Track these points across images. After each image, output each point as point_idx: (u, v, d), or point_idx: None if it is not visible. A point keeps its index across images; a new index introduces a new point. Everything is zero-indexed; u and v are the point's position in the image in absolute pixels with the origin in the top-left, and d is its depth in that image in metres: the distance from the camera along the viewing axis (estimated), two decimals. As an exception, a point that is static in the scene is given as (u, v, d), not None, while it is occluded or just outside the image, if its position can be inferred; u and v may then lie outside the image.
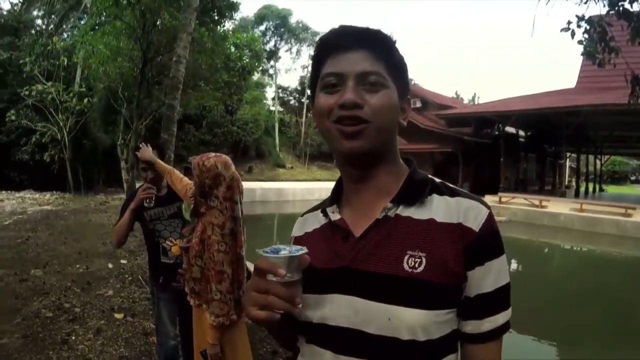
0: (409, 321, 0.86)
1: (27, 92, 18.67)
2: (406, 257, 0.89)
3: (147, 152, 3.16)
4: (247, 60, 21.18)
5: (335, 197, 1.06)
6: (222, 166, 2.45)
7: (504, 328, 0.93)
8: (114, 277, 6.73)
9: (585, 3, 6.30)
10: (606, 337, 7.03)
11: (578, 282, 10.97)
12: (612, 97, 17.38)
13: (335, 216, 1.01)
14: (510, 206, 19.87)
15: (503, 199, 20.75)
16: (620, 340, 6.83)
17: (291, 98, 48.26)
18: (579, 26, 6.10)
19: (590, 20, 6.11)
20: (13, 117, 19.11)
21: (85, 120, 20.12)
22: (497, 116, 24.56)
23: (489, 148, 25.78)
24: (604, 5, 6.05)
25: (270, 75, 45.18)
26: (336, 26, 0.99)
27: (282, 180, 31.80)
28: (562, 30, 6.13)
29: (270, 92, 45.43)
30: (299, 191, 25.13)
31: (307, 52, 44.72)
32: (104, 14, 14.72)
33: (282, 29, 43.25)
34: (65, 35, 24.66)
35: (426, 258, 0.89)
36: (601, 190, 34.47)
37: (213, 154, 2.52)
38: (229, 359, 2.46)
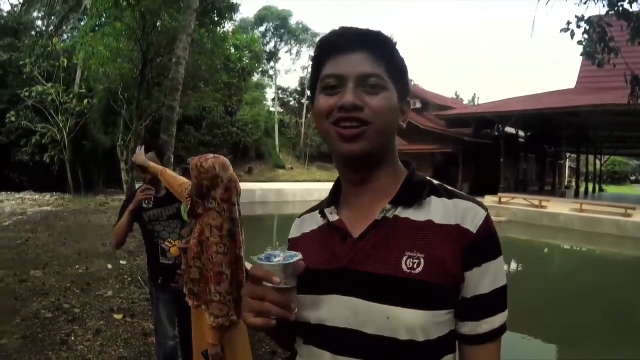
0: (408, 322, 0.86)
1: (27, 94, 18.69)
2: (405, 258, 0.89)
3: (140, 156, 3.17)
4: (247, 61, 21.23)
5: (334, 199, 1.06)
6: (220, 168, 2.44)
7: (501, 330, 0.93)
8: (114, 278, 6.73)
9: (585, 3, 6.31)
10: (606, 337, 7.02)
11: (578, 282, 10.95)
12: (612, 97, 17.39)
13: (333, 217, 1.01)
14: (511, 207, 19.86)
15: (503, 200, 20.74)
16: (620, 340, 6.83)
17: (291, 99, 48.27)
18: (578, 26, 6.10)
19: (589, 21, 6.11)
20: (13, 119, 19.12)
21: (85, 121, 20.14)
22: (497, 117, 24.58)
23: (489, 149, 25.80)
24: (604, 6, 6.06)
25: (270, 77, 45.23)
26: (337, 27, 0.99)
27: (282, 181, 31.79)
28: (561, 30, 6.13)
29: (270, 93, 45.52)
30: (299, 192, 25.11)
31: (307, 53, 44.78)
32: (104, 15, 14.76)
33: (282, 30, 43.25)
34: (65, 36, 24.64)
35: (425, 259, 0.89)
36: (601, 190, 34.48)
37: (211, 156, 2.52)
38: (229, 359, 2.46)
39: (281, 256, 0.83)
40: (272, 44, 43.42)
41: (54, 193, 19.15)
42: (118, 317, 5.14)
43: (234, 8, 16.70)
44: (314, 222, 1.08)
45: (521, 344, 6.17)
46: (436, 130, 26.58)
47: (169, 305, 3.25)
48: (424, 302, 0.87)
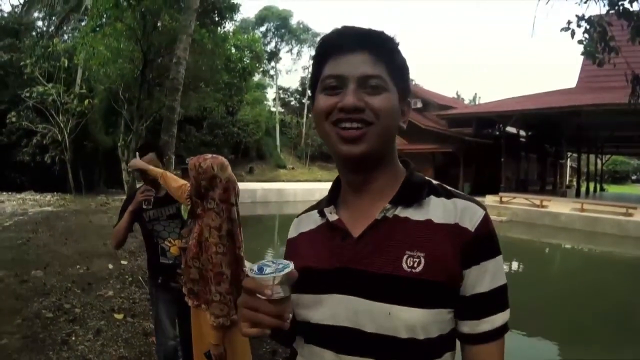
0: (409, 320, 0.87)
1: (27, 94, 18.70)
2: (405, 257, 0.90)
3: (136, 162, 3.16)
4: (248, 61, 21.26)
5: (333, 198, 1.06)
6: (219, 168, 2.45)
7: (503, 329, 0.93)
8: (115, 278, 6.73)
9: (585, 3, 6.32)
10: (607, 337, 7.01)
11: (579, 281, 10.94)
12: (612, 96, 17.36)
13: (332, 217, 1.01)
14: (511, 206, 19.85)
15: (504, 199, 20.73)
16: (621, 340, 6.81)
17: (292, 99, 48.32)
18: (579, 26, 6.10)
19: (590, 20, 6.11)
20: (14, 119, 19.13)
21: (86, 121, 20.13)
22: (498, 116, 24.55)
23: (490, 148, 25.76)
24: (604, 5, 6.07)
25: (271, 76, 45.25)
26: (338, 26, 0.99)
27: (283, 181, 31.82)
28: (562, 29, 6.14)
29: (271, 93, 45.54)
30: (300, 192, 25.11)
31: (308, 53, 44.84)
32: (105, 15, 14.80)
33: (283, 30, 43.26)
34: (65, 37, 24.70)
35: (425, 258, 0.89)
36: (602, 189, 34.46)
37: (210, 156, 2.52)
38: (229, 358, 2.46)
39: (273, 267, 0.83)
40: (272, 44, 43.45)
41: (55, 193, 19.14)
42: (119, 317, 5.14)
43: (234, 8, 16.73)
44: (312, 221, 1.09)
45: (521, 344, 6.16)
46: (437, 130, 26.55)
47: (169, 305, 3.25)
48: (425, 301, 0.87)
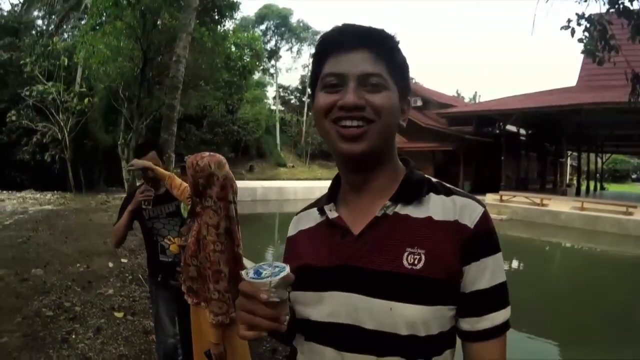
0: (409, 317, 0.87)
1: (27, 93, 18.67)
2: (406, 254, 0.90)
3: (138, 162, 3.14)
4: (248, 59, 21.22)
5: (332, 195, 1.06)
6: (216, 166, 2.45)
7: (504, 327, 0.93)
8: (115, 276, 6.73)
9: (585, 1, 6.33)
10: (606, 336, 7.01)
11: (578, 280, 10.95)
12: (612, 95, 17.36)
13: (332, 214, 1.01)
14: (511, 204, 19.85)
15: (504, 198, 20.72)
16: (620, 339, 6.81)
17: (292, 97, 48.24)
18: (579, 24, 6.10)
19: (590, 18, 6.11)
20: (14, 118, 19.11)
21: (86, 120, 20.10)
22: (498, 115, 24.54)
23: (490, 146, 25.76)
24: (604, 3, 6.06)
25: (271, 75, 45.13)
26: (339, 24, 0.99)
27: (283, 179, 31.78)
28: (562, 28, 6.13)
29: (271, 92, 45.45)
30: (300, 190, 25.11)
31: (308, 51, 44.70)
32: (104, 14, 14.78)
33: (283, 28, 43.16)
34: (65, 35, 24.68)
35: (425, 255, 0.89)
36: (602, 188, 34.46)
37: (207, 154, 2.52)
38: (228, 357, 2.46)
39: (269, 270, 0.83)
40: (272, 42, 43.33)
41: (55, 192, 19.14)
42: (119, 315, 5.14)
43: (234, 6, 16.70)
44: (311, 219, 1.09)
45: (520, 343, 6.16)
46: (437, 128, 26.56)
47: (168, 303, 3.25)
48: (426, 298, 0.88)
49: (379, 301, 0.89)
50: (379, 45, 0.94)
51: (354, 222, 0.97)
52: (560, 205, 18.92)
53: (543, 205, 19.24)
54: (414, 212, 0.94)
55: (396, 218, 0.94)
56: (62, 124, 19.29)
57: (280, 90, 46.59)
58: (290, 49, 45.57)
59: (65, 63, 19.07)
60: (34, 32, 24.51)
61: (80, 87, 20.29)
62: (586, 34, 6.16)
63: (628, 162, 58.40)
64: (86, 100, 19.37)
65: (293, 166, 37.08)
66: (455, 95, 56.68)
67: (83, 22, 20.26)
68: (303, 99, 43.80)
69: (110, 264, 7.37)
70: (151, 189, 3.18)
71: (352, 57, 0.93)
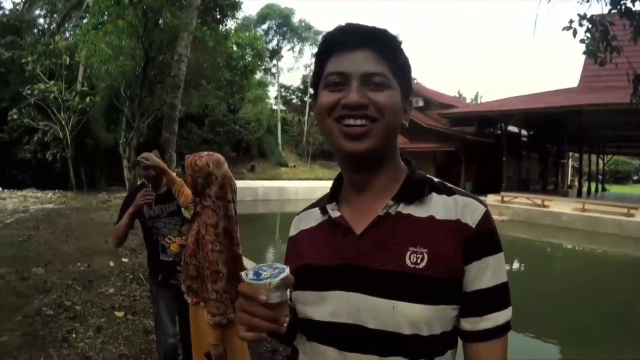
0: (412, 316, 0.87)
1: (29, 91, 18.72)
2: (408, 253, 0.90)
3: (155, 159, 3.10)
4: (250, 59, 21.21)
5: (334, 195, 1.06)
6: (214, 165, 2.44)
7: (505, 327, 0.93)
8: (115, 275, 6.74)
9: (587, 2, 6.31)
10: (607, 337, 7.00)
11: (579, 281, 10.94)
12: (614, 96, 17.32)
13: (335, 213, 1.01)
14: (513, 205, 19.83)
15: (505, 198, 20.71)
16: (621, 340, 6.81)
17: (293, 97, 48.31)
18: (581, 25, 6.09)
19: (592, 19, 6.09)
20: (15, 116, 19.15)
21: (87, 118, 20.16)
22: (500, 115, 24.53)
23: (492, 147, 25.74)
24: (606, 4, 6.04)
25: (273, 74, 45.17)
26: (342, 23, 0.99)
27: (285, 179, 31.85)
28: (564, 29, 6.12)
29: (272, 91, 45.59)
30: (301, 190, 25.14)
31: (310, 51, 44.82)
32: (106, 13, 14.79)
33: (285, 28, 43.23)
34: (67, 34, 24.74)
35: (428, 254, 0.89)
36: (604, 190, 34.39)
37: (205, 153, 2.51)
38: (227, 358, 2.45)
39: (269, 271, 0.83)
40: (274, 42, 43.42)
41: (56, 190, 19.18)
42: (119, 314, 5.14)
43: (236, 5, 16.71)
44: (312, 218, 1.08)
45: (521, 343, 6.16)
46: (438, 129, 26.54)
47: (169, 302, 3.25)
48: (429, 297, 0.88)
49: (382, 300, 0.88)
50: (382, 45, 0.94)
51: (356, 221, 0.97)
52: (561, 207, 18.91)
53: (544, 206, 19.23)
54: (416, 211, 0.94)
55: (398, 217, 0.94)
56: (63, 122, 19.33)
57: (282, 90, 46.67)
58: (292, 48, 45.69)
59: (67, 62, 19.12)
60: (35, 30, 24.57)
61: (82, 86, 20.33)
62: (588, 34, 6.14)
63: (629, 163, 58.34)
64: (87, 99, 19.40)
65: (294, 166, 37.13)
66: (457, 95, 56.69)
67: (85, 21, 20.27)
68: (305, 99, 43.88)
69: (111, 263, 7.37)
70: (152, 193, 3.16)
71: (355, 56, 0.93)
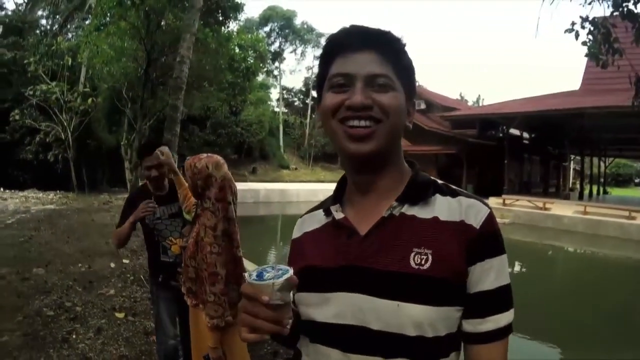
0: (416, 317, 0.87)
1: (31, 92, 18.71)
2: (412, 254, 0.90)
3: (169, 157, 3.09)
4: (252, 61, 21.23)
5: (338, 196, 1.06)
6: (213, 167, 2.43)
7: (507, 330, 0.92)
8: (116, 277, 6.73)
9: (590, 4, 6.28)
10: (607, 339, 6.99)
11: (581, 284, 10.92)
12: (616, 99, 17.30)
13: (339, 215, 1.01)
14: (514, 208, 19.83)
15: (507, 201, 20.71)
16: (621, 342, 6.80)
17: (295, 99, 48.37)
18: (583, 27, 6.08)
19: (594, 22, 6.08)
20: (17, 117, 19.13)
21: (89, 120, 20.15)
22: (501, 118, 24.52)
23: (493, 150, 25.72)
24: (608, 6, 6.03)
25: (275, 77, 45.24)
26: (346, 25, 0.99)
27: (286, 181, 31.86)
28: (566, 31, 6.11)
29: (274, 93, 45.61)
30: (303, 192, 25.14)
31: (312, 53, 44.85)
32: (109, 14, 14.81)
33: (287, 30, 43.28)
34: (69, 35, 24.76)
35: (432, 255, 0.89)
36: (605, 192, 34.39)
37: (205, 155, 2.51)
38: None
39: (272, 272, 0.82)
40: (276, 44, 43.51)
41: (58, 191, 19.19)
42: (120, 315, 5.14)
43: (238, 7, 16.72)
44: (316, 221, 1.08)
45: (522, 344, 6.15)
46: (440, 131, 26.55)
47: (169, 304, 3.24)
48: (433, 298, 0.88)
49: (385, 301, 0.88)
50: (386, 46, 0.95)
51: (360, 222, 0.97)
52: (563, 209, 18.90)
53: (546, 209, 19.22)
54: (420, 212, 0.94)
55: (403, 218, 0.94)
56: (65, 123, 19.33)
57: (284, 92, 46.74)
58: (294, 50, 45.76)
59: (69, 63, 19.13)
60: (38, 31, 24.63)
61: (84, 87, 20.34)
62: (590, 37, 6.13)
63: (631, 166, 58.30)
64: (90, 100, 19.41)
65: (296, 168, 37.15)
66: (459, 98, 56.73)
67: (87, 22, 20.30)
68: (307, 101, 43.93)
69: (112, 265, 7.37)
70: (154, 205, 3.15)
71: (359, 57, 0.93)
